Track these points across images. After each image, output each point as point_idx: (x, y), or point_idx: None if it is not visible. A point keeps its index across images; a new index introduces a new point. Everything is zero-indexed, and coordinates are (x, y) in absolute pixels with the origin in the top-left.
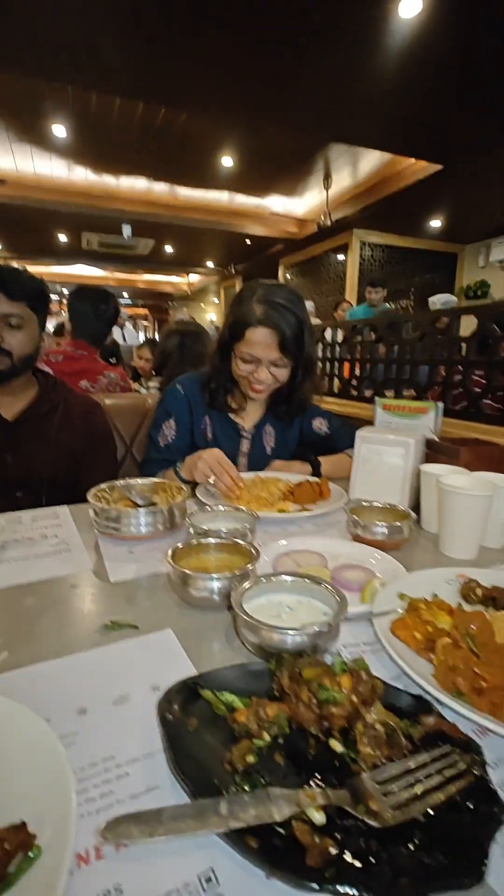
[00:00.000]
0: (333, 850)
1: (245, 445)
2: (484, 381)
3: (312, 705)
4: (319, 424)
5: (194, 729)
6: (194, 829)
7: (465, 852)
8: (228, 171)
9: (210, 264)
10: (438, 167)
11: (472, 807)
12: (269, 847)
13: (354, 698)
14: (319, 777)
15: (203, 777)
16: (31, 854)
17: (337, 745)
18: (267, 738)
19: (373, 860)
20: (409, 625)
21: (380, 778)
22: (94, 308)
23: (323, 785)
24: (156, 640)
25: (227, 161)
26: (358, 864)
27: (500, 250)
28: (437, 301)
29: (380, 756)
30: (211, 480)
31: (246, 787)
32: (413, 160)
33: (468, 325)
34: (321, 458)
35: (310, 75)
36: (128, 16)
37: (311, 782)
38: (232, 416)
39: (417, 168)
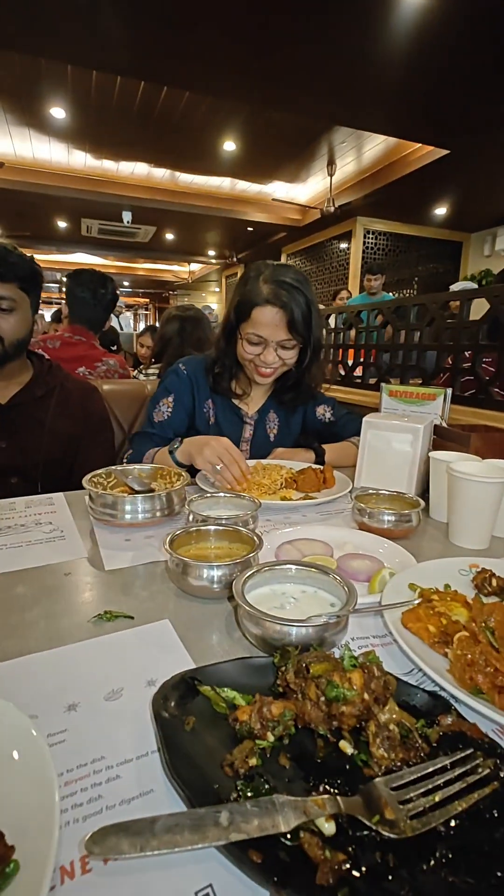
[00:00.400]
0: (346, 866)
1: (248, 431)
2: (493, 368)
3: (321, 703)
4: (323, 411)
5: (192, 728)
6: (191, 842)
7: (491, 869)
8: (230, 157)
9: (211, 252)
10: (445, 152)
11: (498, 817)
12: (274, 862)
13: (366, 696)
14: (328, 782)
15: (201, 781)
16: (7, 869)
17: (347, 747)
18: (271, 738)
19: (390, 877)
20: (422, 617)
21: (395, 784)
22: (93, 292)
23: (333, 791)
24: (152, 632)
25: (229, 146)
26: (374, 881)
27: None
28: (457, 288)
29: (394, 759)
30: (218, 467)
31: (248, 794)
32: (419, 145)
33: (477, 310)
34: (325, 446)
35: (315, 56)
36: None
37: (320, 788)
38: (235, 401)
39: (423, 153)
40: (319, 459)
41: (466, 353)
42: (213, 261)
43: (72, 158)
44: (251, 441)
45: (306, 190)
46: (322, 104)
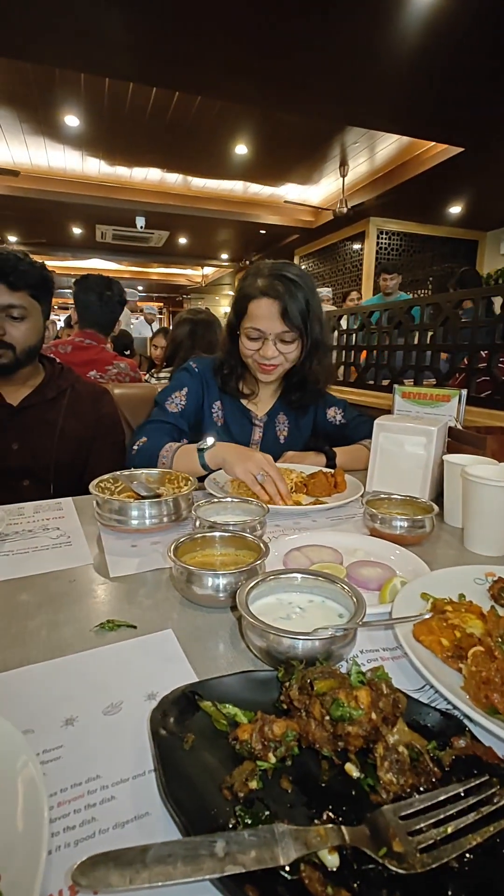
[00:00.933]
0: None
1: (257, 434)
2: None
3: (325, 722)
4: (334, 413)
5: (191, 746)
6: (185, 875)
7: None
8: (242, 160)
9: (224, 256)
10: (459, 150)
11: None
12: None
13: (374, 716)
14: (332, 808)
15: (198, 806)
16: None
17: (353, 771)
18: (273, 759)
19: None
20: (434, 629)
21: (404, 812)
22: (99, 296)
23: (337, 818)
24: (154, 642)
25: (241, 149)
26: None
27: None
28: None
29: (403, 785)
30: (259, 477)
31: (247, 820)
32: (432, 143)
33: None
34: (336, 449)
35: (325, 57)
36: None
37: (323, 815)
38: (244, 402)
39: (437, 151)
40: (330, 463)
41: (482, 353)
42: (226, 264)
43: (86, 166)
44: (261, 444)
45: (319, 191)
46: (334, 105)
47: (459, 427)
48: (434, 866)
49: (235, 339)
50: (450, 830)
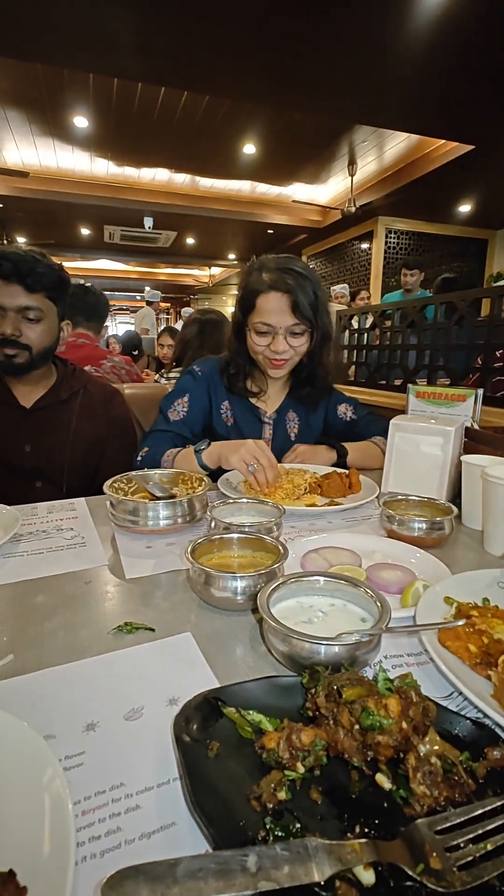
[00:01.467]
0: None
1: (267, 432)
2: None
3: (355, 731)
4: (345, 410)
5: (216, 754)
6: (217, 890)
7: None
8: (250, 160)
9: (232, 256)
10: (469, 147)
11: None
12: None
13: (404, 725)
14: (365, 822)
15: (226, 817)
16: None
17: (385, 782)
18: (301, 769)
19: None
20: (461, 635)
21: (440, 827)
22: (83, 301)
23: (370, 832)
24: (173, 645)
25: (249, 149)
26: None
27: None
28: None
29: (437, 797)
30: (253, 466)
31: (278, 832)
32: (441, 142)
33: None
34: (347, 445)
35: (333, 56)
36: None
37: (356, 828)
38: (253, 400)
39: (447, 149)
40: (342, 459)
41: (497, 353)
42: (234, 264)
43: (94, 166)
44: (272, 441)
45: (327, 191)
46: (342, 103)
47: (476, 427)
48: (474, 885)
49: (242, 337)
50: (489, 847)
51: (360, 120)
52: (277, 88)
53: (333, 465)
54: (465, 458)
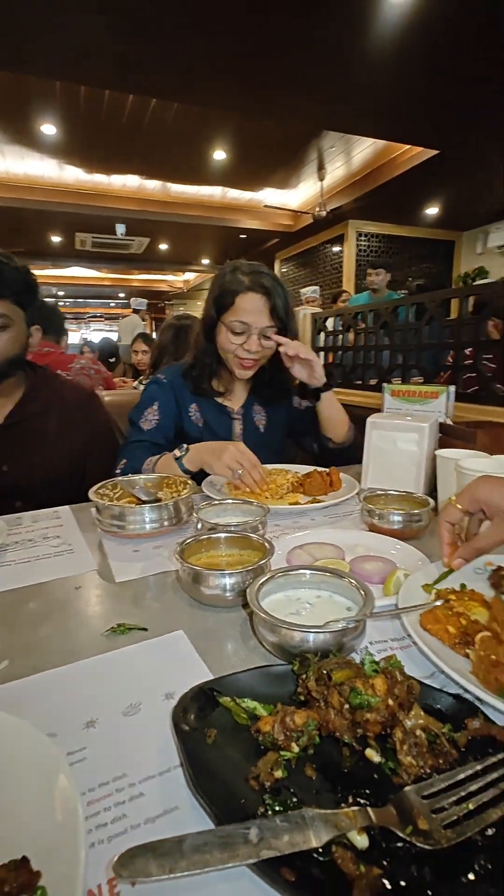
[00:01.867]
0: (383, 880)
1: (237, 427)
2: (494, 364)
3: (344, 711)
4: (300, 401)
5: (214, 740)
6: (222, 861)
7: None
8: (221, 165)
9: (205, 261)
10: (434, 152)
11: None
12: (309, 880)
13: (391, 702)
14: (357, 792)
15: (227, 797)
16: None
17: (374, 756)
18: (296, 749)
19: (430, 892)
20: (441, 618)
21: (426, 792)
22: (41, 312)
23: (363, 802)
24: (167, 643)
25: (219, 155)
26: None
27: (498, 235)
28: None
29: (423, 766)
30: (239, 472)
31: (276, 808)
32: (408, 147)
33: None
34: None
35: (299, 63)
36: (115, 3)
37: (349, 799)
38: (219, 399)
39: (413, 154)
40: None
41: (466, 351)
42: (208, 269)
43: (64, 173)
44: (242, 436)
45: (298, 195)
46: (309, 110)
47: (449, 422)
48: (459, 840)
49: (212, 337)
50: (471, 807)
51: (328, 126)
52: (244, 96)
53: (308, 407)
54: (439, 452)
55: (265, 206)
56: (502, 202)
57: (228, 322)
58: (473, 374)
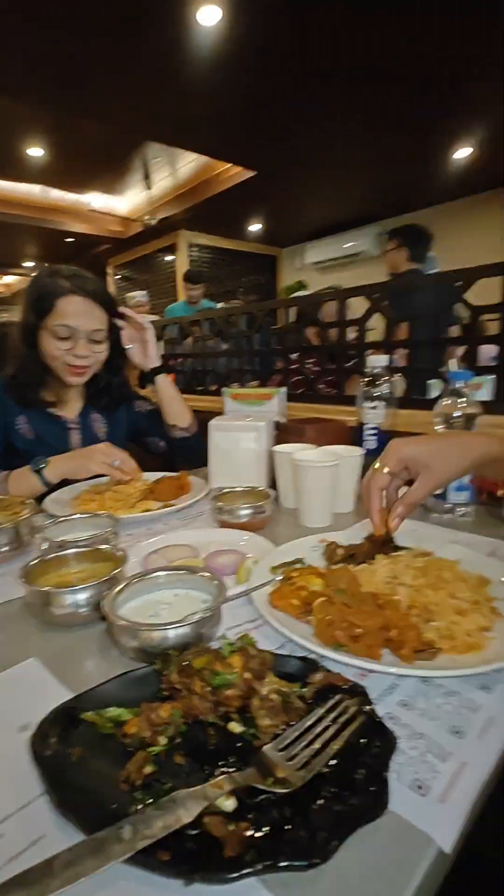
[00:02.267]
0: (250, 832)
1: (75, 437)
2: (317, 368)
3: (206, 693)
4: (141, 403)
5: (78, 758)
6: (96, 866)
7: (368, 787)
8: (38, 162)
9: (29, 264)
10: (252, 173)
11: (365, 742)
12: (183, 854)
13: (247, 675)
14: (224, 764)
15: (97, 807)
16: None
17: (236, 727)
18: (163, 741)
19: (288, 827)
20: (286, 594)
21: (282, 745)
22: None
23: (230, 771)
24: (17, 675)
25: (34, 151)
26: (274, 836)
27: (313, 253)
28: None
29: (278, 724)
30: (116, 462)
31: (148, 801)
32: (230, 164)
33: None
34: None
35: (123, 68)
36: None
37: (216, 773)
38: (52, 410)
39: (234, 173)
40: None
41: (292, 356)
42: (32, 273)
43: None
44: (82, 445)
45: (126, 201)
46: (132, 118)
47: (283, 420)
48: (310, 777)
49: (33, 343)
50: (318, 746)
51: (149, 136)
52: (59, 97)
53: (151, 410)
54: (275, 448)
55: (90, 210)
56: (315, 224)
57: (52, 327)
58: (300, 377)
